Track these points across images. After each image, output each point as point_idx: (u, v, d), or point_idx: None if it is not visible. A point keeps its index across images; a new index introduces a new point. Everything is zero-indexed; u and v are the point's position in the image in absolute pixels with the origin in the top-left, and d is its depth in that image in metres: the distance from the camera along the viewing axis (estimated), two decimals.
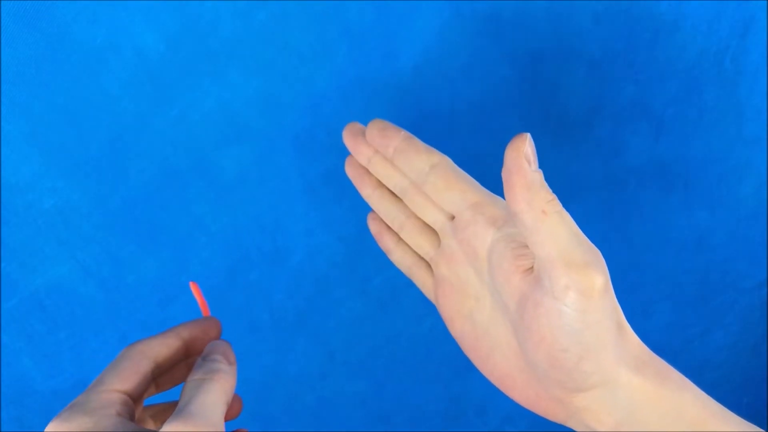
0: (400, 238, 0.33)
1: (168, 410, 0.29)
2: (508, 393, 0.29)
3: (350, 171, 0.33)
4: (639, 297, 0.54)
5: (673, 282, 0.54)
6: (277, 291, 0.43)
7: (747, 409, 0.66)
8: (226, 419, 0.26)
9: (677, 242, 0.52)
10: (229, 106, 0.36)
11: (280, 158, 0.39)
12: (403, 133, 0.30)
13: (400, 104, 0.39)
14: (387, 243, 0.33)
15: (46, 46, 0.32)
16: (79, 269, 0.38)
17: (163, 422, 0.27)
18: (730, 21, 0.43)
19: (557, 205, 0.23)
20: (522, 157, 0.23)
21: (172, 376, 0.29)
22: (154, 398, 0.29)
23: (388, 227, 0.33)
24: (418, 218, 0.31)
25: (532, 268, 0.25)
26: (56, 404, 0.42)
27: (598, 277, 0.23)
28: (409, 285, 0.44)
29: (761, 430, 0.26)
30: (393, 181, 0.31)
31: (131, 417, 0.24)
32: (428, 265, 0.32)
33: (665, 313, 0.56)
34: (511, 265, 0.26)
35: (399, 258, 0.33)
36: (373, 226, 0.34)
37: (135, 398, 0.25)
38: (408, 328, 0.48)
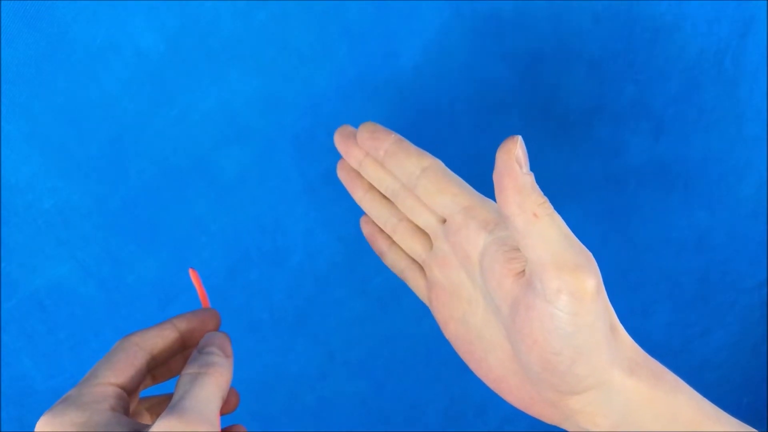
0: (393, 241, 0.33)
1: (165, 403, 0.28)
2: (504, 396, 0.29)
3: (342, 174, 0.33)
4: (639, 297, 0.54)
5: (673, 282, 0.54)
6: (277, 291, 0.43)
7: (747, 409, 0.66)
8: (223, 413, 0.26)
9: (677, 242, 0.52)
10: (229, 106, 0.36)
11: (280, 158, 0.39)
12: (394, 136, 0.30)
13: (400, 104, 0.39)
14: (380, 246, 0.33)
15: (46, 46, 0.32)
16: (79, 269, 0.38)
17: (159, 415, 0.27)
18: (730, 21, 0.43)
19: (548, 207, 0.23)
20: (513, 159, 0.23)
21: (170, 367, 0.28)
22: (151, 390, 0.28)
23: (381, 230, 0.33)
24: (410, 221, 0.31)
25: (524, 271, 0.25)
26: None
27: (590, 280, 0.23)
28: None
29: (755, 430, 0.25)
30: (384, 184, 0.31)
31: (125, 411, 0.24)
32: (421, 268, 0.32)
33: (665, 313, 0.56)
34: (503, 269, 0.26)
35: (392, 261, 0.33)
36: (366, 229, 0.34)
37: (130, 391, 0.24)
38: (408, 328, 0.48)
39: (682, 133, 0.46)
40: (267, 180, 0.39)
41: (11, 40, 0.31)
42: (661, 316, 0.56)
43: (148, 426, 0.22)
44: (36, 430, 0.22)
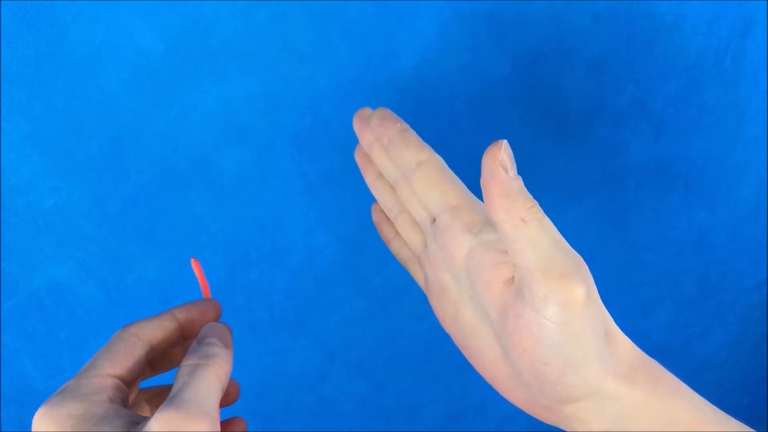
0: (398, 231, 0.33)
1: (164, 394, 0.28)
2: (502, 394, 0.28)
3: (357, 157, 0.33)
4: (639, 297, 0.54)
5: (673, 282, 0.54)
6: (277, 291, 0.43)
7: (747, 410, 0.66)
8: (223, 405, 0.25)
9: (677, 242, 0.52)
10: (229, 106, 0.36)
11: (280, 158, 0.39)
12: (399, 125, 0.29)
13: (400, 104, 0.39)
14: (386, 233, 0.33)
15: (46, 46, 0.32)
16: (79, 269, 0.38)
17: (158, 407, 0.27)
18: (730, 21, 0.43)
19: (538, 212, 0.23)
20: (498, 164, 0.23)
21: (169, 358, 0.28)
22: (151, 380, 0.28)
23: (388, 218, 0.33)
24: (409, 214, 0.31)
25: (513, 278, 0.24)
26: None
27: (579, 288, 0.22)
28: (408, 285, 0.44)
29: None
30: (387, 171, 0.30)
31: (124, 402, 0.23)
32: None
33: (665, 313, 0.56)
34: (491, 274, 0.25)
35: (396, 250, 0.33)
36: (375, 216, 0.34)
37: (128, 382, 0.24)
38: (408, 328, 0.48)
39: (682, 133, 0.46)
40: (267, 180, 0.39)
41: (11, 40, 0.31)
42: (661, 316, 0.56)
43: (147, 418, 0.21)
44: (34, 421, 0.22)
